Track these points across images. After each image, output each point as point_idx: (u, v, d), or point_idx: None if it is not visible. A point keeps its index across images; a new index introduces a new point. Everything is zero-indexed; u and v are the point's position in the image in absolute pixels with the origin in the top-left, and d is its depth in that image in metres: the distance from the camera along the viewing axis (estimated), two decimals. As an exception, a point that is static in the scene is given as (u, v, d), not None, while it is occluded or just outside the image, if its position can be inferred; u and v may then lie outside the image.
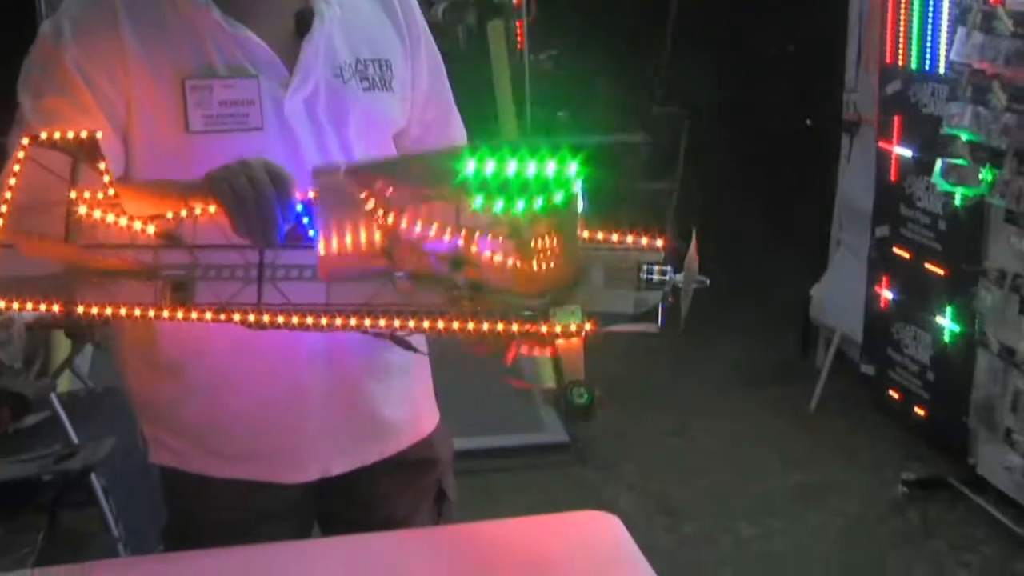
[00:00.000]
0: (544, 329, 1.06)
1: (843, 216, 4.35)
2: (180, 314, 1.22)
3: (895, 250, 3.80)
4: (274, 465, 1.53)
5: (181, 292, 1.22)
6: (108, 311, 1.22)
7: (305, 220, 1.21)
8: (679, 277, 1.04)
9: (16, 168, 1.24)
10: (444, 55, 1.67)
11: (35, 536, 2.24)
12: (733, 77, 5.75)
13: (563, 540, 1.37)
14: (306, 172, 1.27)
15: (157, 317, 1.23)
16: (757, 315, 5.14)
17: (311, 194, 1.20)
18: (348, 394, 1.53)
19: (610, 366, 5.20)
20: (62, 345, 3.14)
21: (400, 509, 1.65)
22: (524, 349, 1.10)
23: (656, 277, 1.02)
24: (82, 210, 1.23)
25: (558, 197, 0.90)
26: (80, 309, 1.22)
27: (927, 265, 3.62)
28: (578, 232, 1.03)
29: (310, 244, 1.18)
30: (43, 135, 1.24)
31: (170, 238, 1.24)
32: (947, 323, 3.50)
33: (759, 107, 5.85)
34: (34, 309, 1.21)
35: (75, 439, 2.60)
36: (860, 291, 4.04)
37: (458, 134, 1.72)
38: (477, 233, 1.03)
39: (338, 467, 1.56)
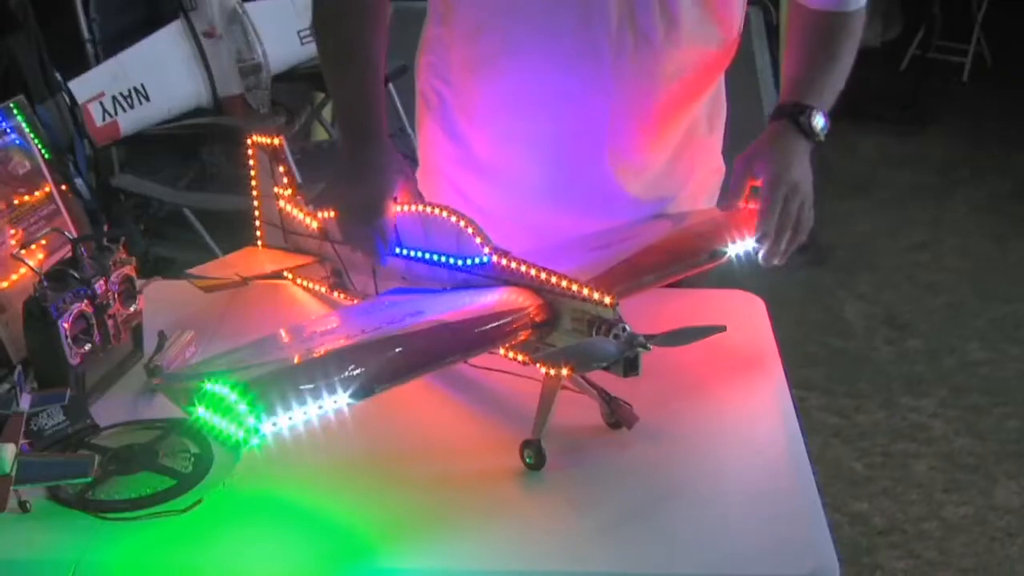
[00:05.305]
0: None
1: None
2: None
3: None
4: None
5: (337, 277, 1.40)
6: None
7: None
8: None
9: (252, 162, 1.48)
10: None
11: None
12: None
13: (701, 310, 1.41)
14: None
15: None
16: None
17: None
18: None
19: (867, 170, 4.95)
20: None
21: None
22: None
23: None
24: (281, 203, 1.46)
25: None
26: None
27: None
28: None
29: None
30: (248, 141, 1.45)
31: (324, 233, 1.39)
32: None
33: None
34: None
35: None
36: None
37: None
38: None
39: None
